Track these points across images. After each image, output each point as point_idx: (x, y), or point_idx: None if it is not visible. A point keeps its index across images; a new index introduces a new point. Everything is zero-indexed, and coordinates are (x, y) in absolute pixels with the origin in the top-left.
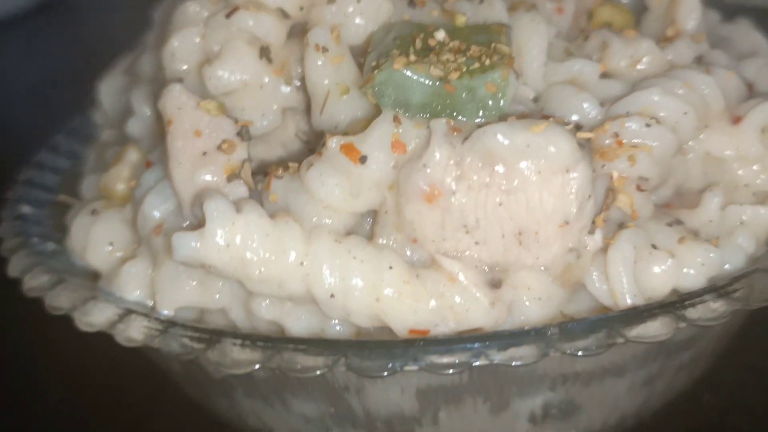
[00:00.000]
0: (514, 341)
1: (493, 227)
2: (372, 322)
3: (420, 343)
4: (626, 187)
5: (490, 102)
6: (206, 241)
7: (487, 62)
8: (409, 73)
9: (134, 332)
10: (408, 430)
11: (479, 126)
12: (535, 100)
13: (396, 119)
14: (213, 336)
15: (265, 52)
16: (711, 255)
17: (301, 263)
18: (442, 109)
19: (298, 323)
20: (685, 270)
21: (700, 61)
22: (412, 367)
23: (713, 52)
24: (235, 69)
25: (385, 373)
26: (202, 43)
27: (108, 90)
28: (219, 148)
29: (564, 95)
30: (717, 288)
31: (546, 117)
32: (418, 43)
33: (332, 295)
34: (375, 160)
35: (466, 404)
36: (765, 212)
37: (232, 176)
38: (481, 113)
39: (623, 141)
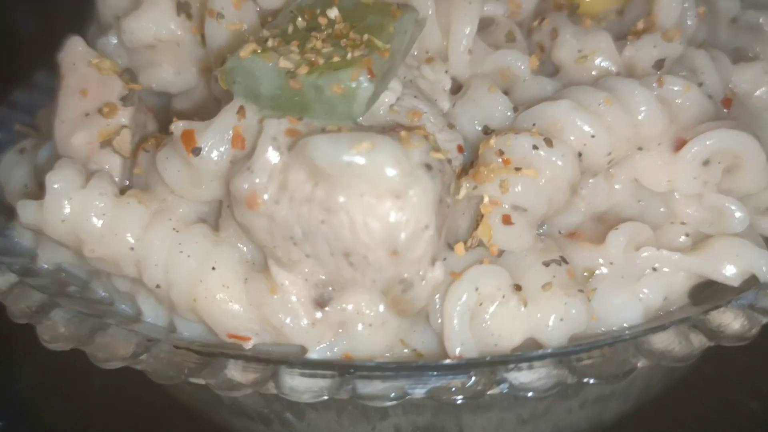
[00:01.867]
0: None
1: (321, 244)
2: (195, 319)
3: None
4: (492, 217)
5: (339, 106)
6: (44, 212)
7: (347, 57)
8: (256, 62)
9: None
10: None
11: (323, 130)
12: (455, 92)
13: (241, 111)
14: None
15: (183, 8)
16: (572, 311)
17: (132, 248)
18: (292, 105)
19: (152, 311)
20: (542, 322)
21: (661, 66)
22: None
23: (693, 54)
24: (151, 23)
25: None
26: None
27: None
28: (100, 111)
29: (478, 92)
30: (549, 354)
31: (408, 128)
32: (301, 23)
33: (158, 286)
34: (210, 154)
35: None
36: (681, 261)
37: (105, 143)
38: (329, 118)
39: (509, 161)
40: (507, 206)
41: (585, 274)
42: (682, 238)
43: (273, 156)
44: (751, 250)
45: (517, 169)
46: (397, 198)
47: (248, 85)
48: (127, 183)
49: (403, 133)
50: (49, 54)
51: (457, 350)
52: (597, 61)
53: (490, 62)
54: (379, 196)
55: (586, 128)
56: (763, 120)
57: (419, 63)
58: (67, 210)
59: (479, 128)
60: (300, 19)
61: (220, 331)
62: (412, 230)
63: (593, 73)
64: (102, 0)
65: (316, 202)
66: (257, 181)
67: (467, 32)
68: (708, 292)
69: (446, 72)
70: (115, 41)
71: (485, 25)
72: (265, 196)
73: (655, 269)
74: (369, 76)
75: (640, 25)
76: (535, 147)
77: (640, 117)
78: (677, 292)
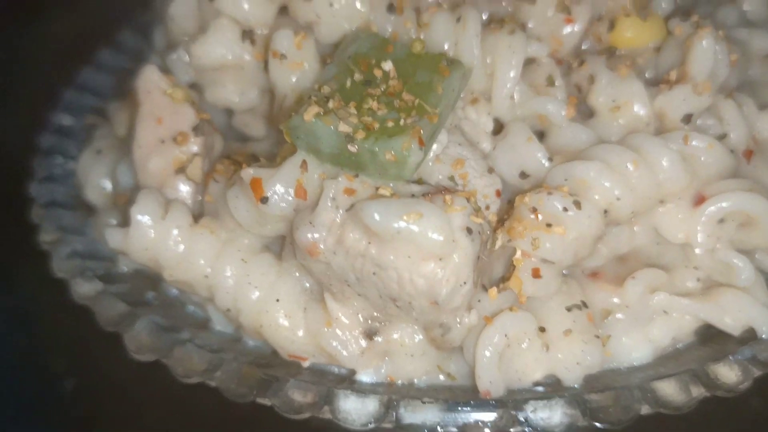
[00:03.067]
0: None
1: (371, 289)
2: (260, 339)
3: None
4: (523, 271)
5: (392, 169)
6: (128, 240)
7: (400, 122)
8: (318, 125)
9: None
10: None
11: (377, 189)
12: (497, 131)
13: (303, 165)
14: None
15: (248, 35)
16: (588, 358)
17: (206, 276)
18: (349, 163)
19: (221, 319)
20: (562, 365)
21: (689, 120)
22: None
23: (721, 104)
24: (216, 47)
25: None
26: (199, 14)
27: None
28: (174, 139)
29: (517, 139)
30: (553, 396)
31: (448, 191)
32: (358, 76)
33: (228, 310)
34: (275, 203)
35: None
36: (690, 307)
37: (179, 170)
38: (382, 178)
39: (540, 217)
40: (536, 260)
41: (602, 314)
42: (694, 283)
43: (332, 214)
44: (754, 308)
45: (548, 225)
46: (440, 260)
47: (310, 143)
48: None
49: (447, 197)
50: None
51: (487, 388)
52: (630, 111)
53: (530, 107)
54: (425, 258)
55: (615, 192)
56: None
57: (464, 104)
58: (149, 239)
59: (516, 173)
60: (357, 73)
61: (281, 351)
62: (452, 286)
63: (624, 122)
64: (171, 20)
65: (369, 257)
66: (317, 235)
67: (511, 76)
68: (713, 332)
69: (488, 114)
70: (184, 58)
71: (527, 63)
72: (324, 247)
73: (665, 312)
74: (419, 145)
75: (673, 75)
76: (565, 209)
77: (662, 176)
78: (685, 333)
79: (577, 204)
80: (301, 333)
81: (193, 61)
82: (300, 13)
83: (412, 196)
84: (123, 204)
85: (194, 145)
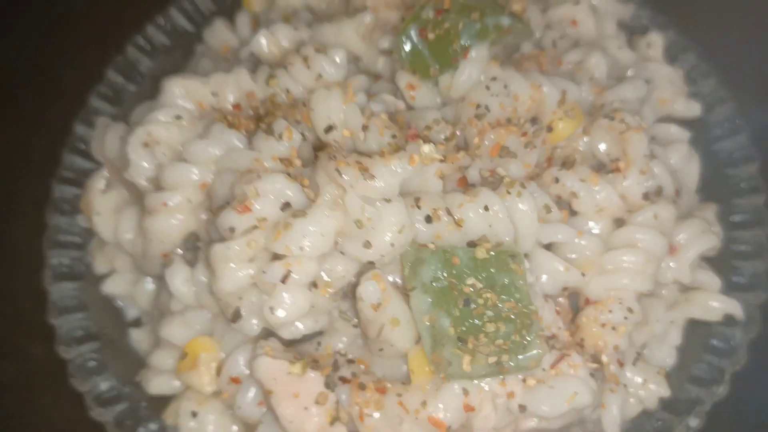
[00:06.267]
0: None
1: None
2: None
3: None
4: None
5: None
6: None
7: (524, 340)
8: (477, 368)
9: None
10: None
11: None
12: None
13: (465, 391)
14: None
15: (312, 284)
16: None
17: None
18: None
19: None
20: None
21: (647, 196)
22: None
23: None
24: (291, 308)
25: None
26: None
27: None
28: (316, 401)
29: (550, 264)
30: None
31: (580, 345)
32: (459, 302)
33: None
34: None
35: None
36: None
37: (333, 420)
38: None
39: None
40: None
41: None
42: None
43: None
44: (727, 300)
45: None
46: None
47: (462, 374)
48: None
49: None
50: None
51: None
52: (611, 211)
53: (546, 236)
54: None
55: (643, 284)
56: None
57: None
58: None
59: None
60: (457, 299)
61: None
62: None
63: (608, 217)
64: (224, 294)
65: None
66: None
67: (534, 226)
68: None
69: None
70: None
71: None
72: None
73: None
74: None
75: (621, 165)
76: (625, 317)
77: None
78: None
79: (629, 308)
80: None
81: (275, 326)
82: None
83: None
84: None
85: (334, 398)
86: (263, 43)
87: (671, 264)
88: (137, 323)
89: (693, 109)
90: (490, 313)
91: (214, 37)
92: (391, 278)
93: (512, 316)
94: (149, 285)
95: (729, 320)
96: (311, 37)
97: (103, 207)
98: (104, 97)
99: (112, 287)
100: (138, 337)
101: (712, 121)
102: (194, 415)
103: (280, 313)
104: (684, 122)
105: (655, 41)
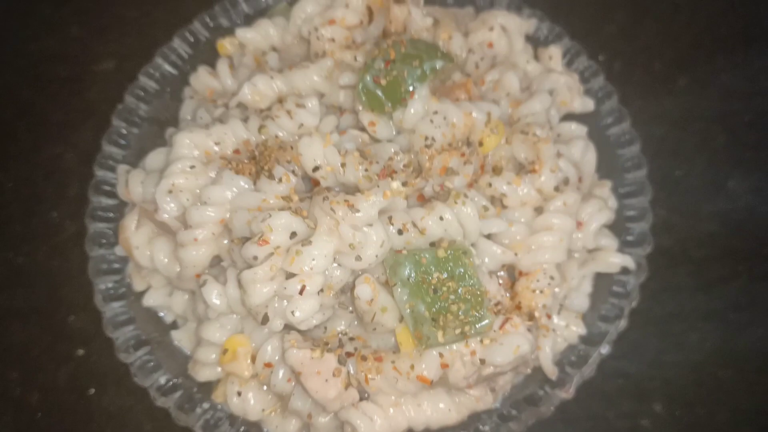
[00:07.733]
0: None
1: None
2: None
3: None
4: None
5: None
6: None
7: (479, 313)
8: (450, 338)
9: None
10: None
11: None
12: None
13: (440, 354)
14: None
15: (320, 290)
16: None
17: None
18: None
19: None
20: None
21: (557, 188)
22: None
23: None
24: (306, 310)
25: None
26: (277, 292)
27: None
28: (333, 374)
29: (490, 249)
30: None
31: (518, 307)
32: (430, 291)
33: None
34: None
35: None
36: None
37: (347, 386)
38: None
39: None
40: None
41: None
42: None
43: None
44: (620, 257)
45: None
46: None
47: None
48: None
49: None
50: None
51: None
52: (531, 202)
53: (487, 229)
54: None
55: (561, 254)
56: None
57: None
58: None
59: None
60: (428, 288)
61: None
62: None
63: (529, 206)
64: (253, 310)
65: None
66: None
67: (478, 226)
68: None
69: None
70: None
71: None
72: None
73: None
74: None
75: (536, 166)
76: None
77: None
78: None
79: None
80: None
81: (293, 322)
82: (348, 264)
83: None
84: None
85: (346, 368)
86: (247, 93)
87: (579, 236)
88: (175, 326)
89: (588, 104)
90: (452, 297)
91: (200, 83)
92: (377, 278)
93: (468, 297)
94: (182, 296)
95: (624, 270)
96: (285, 82)
97: (139, 241)
98: (114, 143)
99: (151, 300)
100: (178, 337)
101: (603, 111)
102: (239, 394)
103: (299, 314)
104: (582, 116)
105: (555, 53)
